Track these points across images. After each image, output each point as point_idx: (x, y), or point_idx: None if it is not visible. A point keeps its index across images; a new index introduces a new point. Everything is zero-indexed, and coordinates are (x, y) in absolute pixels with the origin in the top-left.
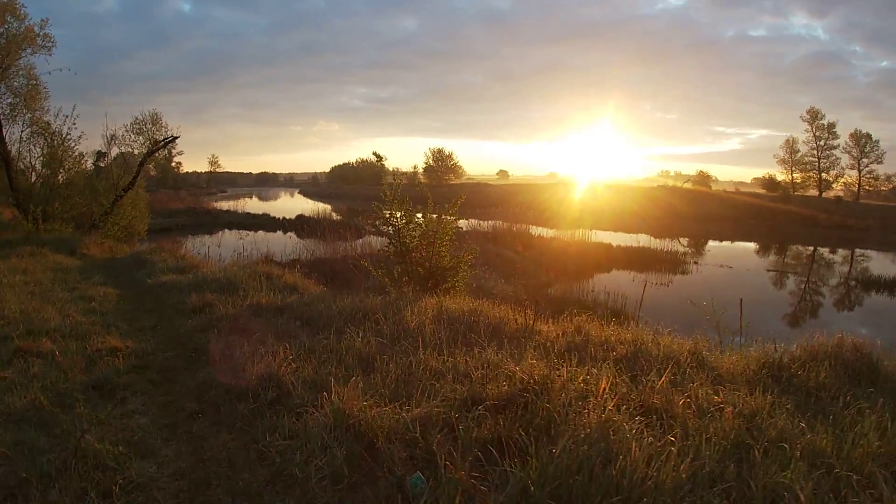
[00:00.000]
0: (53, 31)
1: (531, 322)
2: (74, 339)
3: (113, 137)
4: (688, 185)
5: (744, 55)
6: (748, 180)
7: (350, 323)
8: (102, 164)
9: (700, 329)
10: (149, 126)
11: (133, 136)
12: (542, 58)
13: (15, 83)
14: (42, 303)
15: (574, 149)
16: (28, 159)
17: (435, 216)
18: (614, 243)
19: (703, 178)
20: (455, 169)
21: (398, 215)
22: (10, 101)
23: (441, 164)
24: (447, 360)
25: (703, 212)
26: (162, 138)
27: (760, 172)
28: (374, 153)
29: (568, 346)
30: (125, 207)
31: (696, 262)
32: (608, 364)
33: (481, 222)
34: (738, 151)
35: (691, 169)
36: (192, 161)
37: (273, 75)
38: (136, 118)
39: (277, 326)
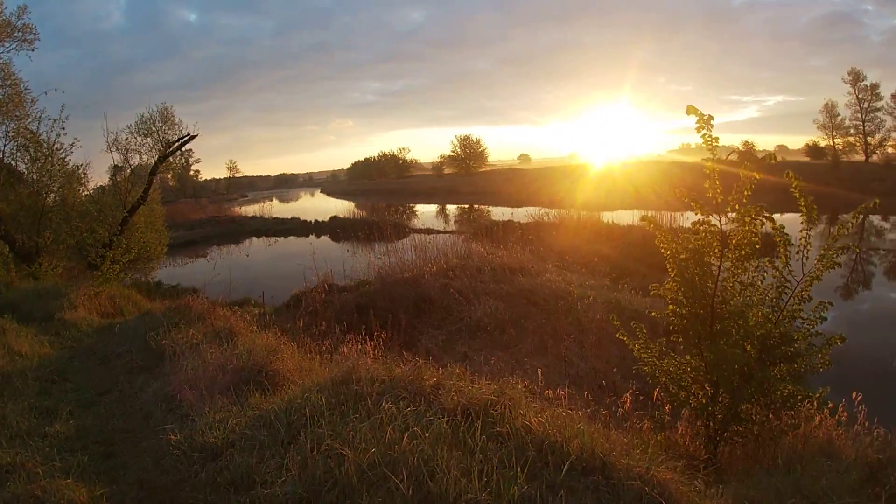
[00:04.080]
0: (62, 51)
1: None
2: None
3: (115, 142)
4: (733, 158)
5: (755, 21)
6: (771, 147)
7: None
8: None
9: None
10: (158, 125)
11: (140, 139)
12: (552, 38)
13: None
14: None
15: (592, 127)
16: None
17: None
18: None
19: (749, 149)
20: (483, 156)
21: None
22: None
23: (469, 151)
24: None
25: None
26: (177, 138)
27: (779, 139)
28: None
29: None
30: (137, 229)
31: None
32: None
33: (541, 211)
34: (756, 119)
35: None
36: (210, 168)
37: (285, 77)
38: (143, 116)
39: None
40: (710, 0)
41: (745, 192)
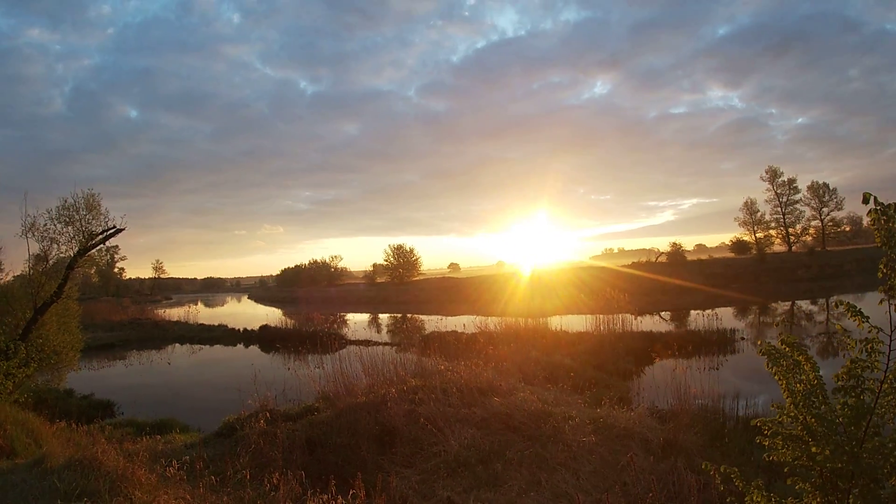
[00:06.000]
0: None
1: None
2: None
3: (32, 227)
4: (662, 259)
5: (668, 132)
6: (690, 247)
7: None
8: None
9: None
10: (83, 213)
11: (61, 227)
12: (478, 153)
13: None
14: None
15: (516, 237)
16: None
17: None
18: (652, 330)
19: (677, 249)
20: (416, 265)
21: None
22: None
23: (402, 260)
24: None
25: (673, 285)
26: (101, 230)
27: (696, 239)
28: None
29: None
30: (43, 333)
31: (737, 338)
32: None
33: (484, 319)
34: (673, 222)
35: (631, 244)
36: (134, 267)
37: (217, 180)
38: (66, 201)
39: None
40: (625, 116)
41: None
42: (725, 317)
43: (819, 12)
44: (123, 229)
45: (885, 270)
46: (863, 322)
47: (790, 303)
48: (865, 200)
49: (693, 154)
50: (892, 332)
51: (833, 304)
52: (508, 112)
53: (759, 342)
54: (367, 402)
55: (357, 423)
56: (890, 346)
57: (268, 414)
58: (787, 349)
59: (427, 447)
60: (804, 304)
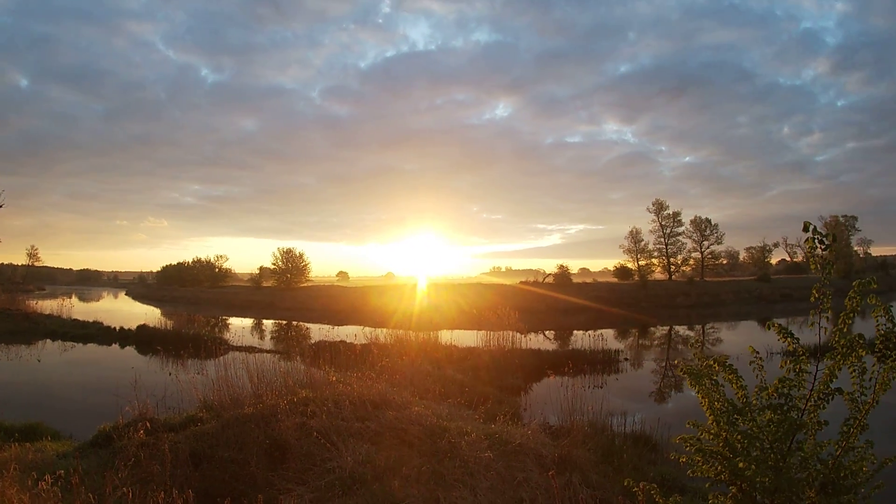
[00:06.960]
0: None
1: None
2: None
3: None
4: (549, 280)
5: (562, 159)
6: (575, 270)
7: None
8: None
9: None
10: None
11: None
12: (375, 162)
13: None
14: None
15: (407, 250)
16: None
17: None
18: (540, 347)
19: (564, 272)
20: (305, 271)
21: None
22: None
23: (291, 264)
24: None
25: (560, 305)
26: None
27: (581, 263)
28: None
29: None
30: None
31: (620, 358)
32: None
33: (374, 331)
34: (559, 245)
35: (518, 264)
36: (7, 252)
37: (103, 164)
38: None
39: None
40: (522, 140)
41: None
42: (609, 338)
43: (717, 61)
44: (1, 205)
45: (817, 295)
46: (793, 343)
47: (668, 327)
48: (805, 228)
49: (584, 182)
50: (819, 352)
51: (766, 326)
52: (410, 124)
53: (676, 362)
54: (256, 414)
55: (245, 436)
56: (817, 366)
57: (147, 423)
58: (717, 367)
59: (320, 463)
60: (682, 329)
